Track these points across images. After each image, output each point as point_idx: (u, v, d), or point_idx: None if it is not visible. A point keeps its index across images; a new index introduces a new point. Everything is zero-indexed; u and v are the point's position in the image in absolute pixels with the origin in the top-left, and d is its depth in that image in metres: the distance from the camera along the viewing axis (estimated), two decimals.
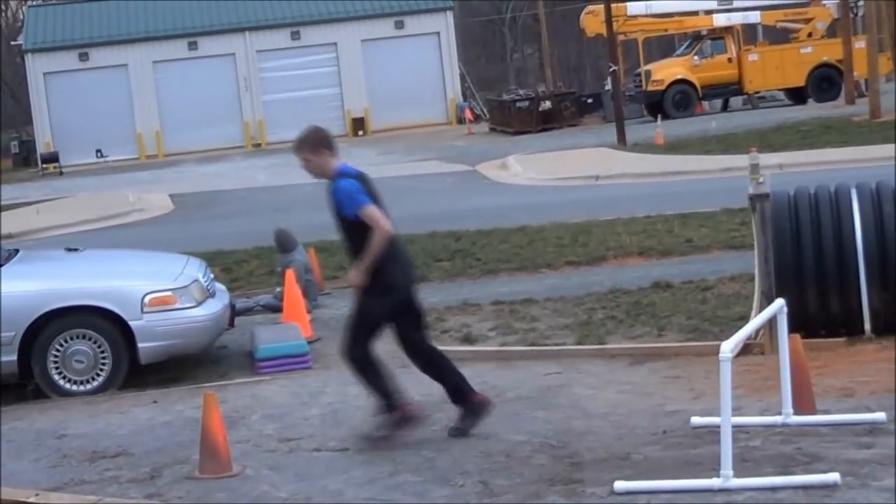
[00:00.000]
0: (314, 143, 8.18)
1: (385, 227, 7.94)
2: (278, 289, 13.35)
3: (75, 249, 12.44)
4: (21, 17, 68.96)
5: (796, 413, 7.85)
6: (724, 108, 48.98)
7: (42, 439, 9.11)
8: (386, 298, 8.10)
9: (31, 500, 7.44)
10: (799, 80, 46.12)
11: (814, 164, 24.93)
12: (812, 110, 40.73)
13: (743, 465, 6.90)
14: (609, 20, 37.69)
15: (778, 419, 7.86)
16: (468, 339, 11.39)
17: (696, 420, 8.02)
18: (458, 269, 15.68)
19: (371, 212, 7.94)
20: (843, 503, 6.35)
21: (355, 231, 8.00)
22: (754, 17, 48.30)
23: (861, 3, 43.41)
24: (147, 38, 55.49)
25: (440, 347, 10.98)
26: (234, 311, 12.15)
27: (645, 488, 6.72)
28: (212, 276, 12.03)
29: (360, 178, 8.14)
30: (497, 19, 78.34)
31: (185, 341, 10.86)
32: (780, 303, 7.97)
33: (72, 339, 10.63)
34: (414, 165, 36.43)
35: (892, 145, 25.67)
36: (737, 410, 7.65)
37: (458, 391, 8.38)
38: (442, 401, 9.17)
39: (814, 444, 7.38)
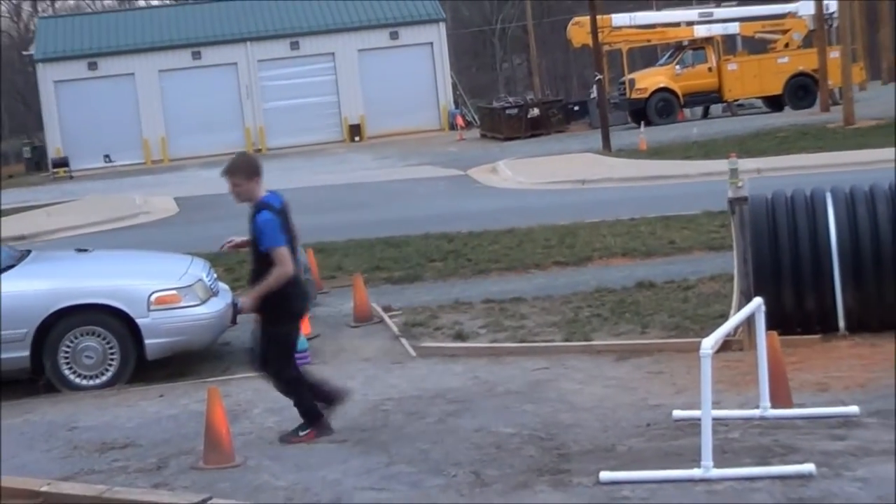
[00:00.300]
0: (248, 170, 8.53)
1: (288, 270, 8.32)
2: None
3: (85, 250, 12.59)
4: (33, 28, 69.08)
5: (773, 406, 8.00)
6: (705, 115, 49.17)
7: (53, 431, 9.28)
8: (293, 323, 8.60)
9: (42, 489, 7.54)
10: (776, 89, 46.40)
11: (790, 169, 25.05)
12: (789, 117, 40.75)
13: (722, 456, 7.06)
14: (595, 31, 37.83)
15: (756, 412, 8.01)
16: (460, 336, 11.53)
17: (677, 413, 8.17)
18: (450, 269, 15.82)
19: (281, 253, 8.33)
20: (817, 493, 6.49)
21: (265, 261, 8.40)
22: (734, 28, 48.43)
23: (835, 15, 43.71)
24: (153, 49, 55.77)
25: (434, 344, 11.30)
26: (237, 310, 12.29)
27: (629, 478, 6.88)
28: (215, 275, 12.19)
29: (282, 212, 8.51)
30: (487, 30, 78.37)
31: (190, 338, 11.05)
32: (758, 301, 8.12)
33: (81, 335, 10.81)
34: (408, 170, 36.42)
35: (865, 151, 26.07)
36: (716, 404, 7.76)
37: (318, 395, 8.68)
38: (435, 395, 9.44)
39: (790, 436, 7.54)
